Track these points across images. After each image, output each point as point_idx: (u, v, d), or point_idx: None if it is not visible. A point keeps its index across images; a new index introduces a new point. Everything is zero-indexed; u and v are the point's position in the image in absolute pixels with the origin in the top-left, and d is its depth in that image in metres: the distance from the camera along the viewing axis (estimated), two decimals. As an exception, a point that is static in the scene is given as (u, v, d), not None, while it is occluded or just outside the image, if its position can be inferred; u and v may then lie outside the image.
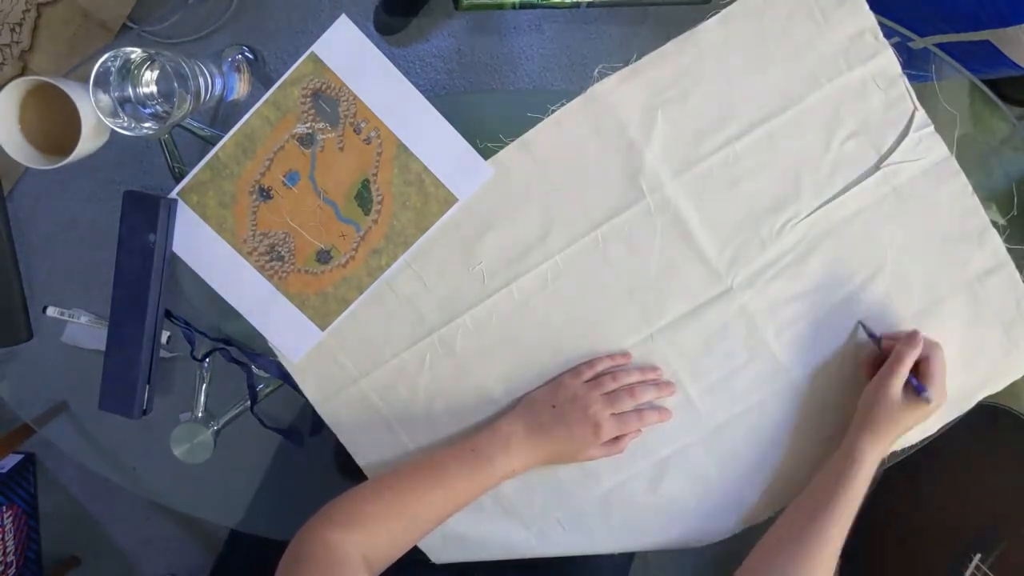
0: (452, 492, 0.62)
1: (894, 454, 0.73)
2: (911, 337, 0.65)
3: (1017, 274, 0.70)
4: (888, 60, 0.66)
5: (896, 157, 0.67)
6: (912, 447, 0.73)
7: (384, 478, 0.63)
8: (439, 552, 0.73)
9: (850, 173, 0.68)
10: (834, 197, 0.68)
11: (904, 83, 0.67)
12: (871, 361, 0.68)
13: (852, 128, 0.67)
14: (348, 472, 0.72)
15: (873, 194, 0.68)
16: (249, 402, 0.74)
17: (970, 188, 0.68)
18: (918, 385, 0.63)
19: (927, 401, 0.62)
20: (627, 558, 0.89)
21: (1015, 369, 0.72)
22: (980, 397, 0.72)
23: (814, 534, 0.62)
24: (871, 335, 0.69)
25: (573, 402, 0.66)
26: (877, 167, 0.68)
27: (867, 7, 0.66)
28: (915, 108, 0.67)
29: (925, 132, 0.67)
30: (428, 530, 0.62)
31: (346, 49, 0.65)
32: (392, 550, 0.60)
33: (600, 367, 0.69)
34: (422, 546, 0.73)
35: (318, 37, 0.64)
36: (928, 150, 0.68)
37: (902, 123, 0.67)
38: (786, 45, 0.66)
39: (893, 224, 0.69)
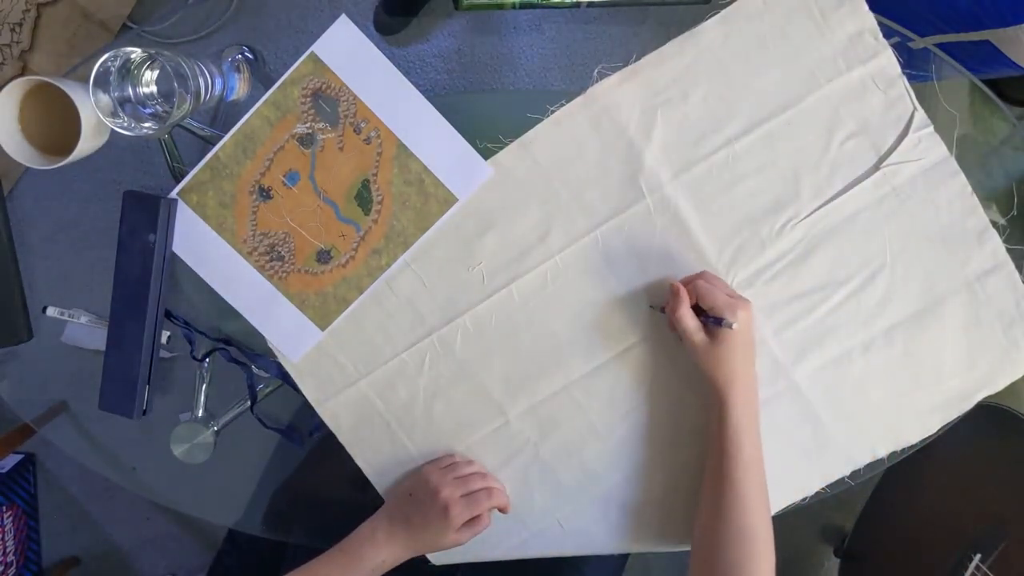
0: None
1: (894, 454, 0.73)
2: (672, 292, 0.64)
3: (1016, 274, 0.70)
4: (888, 60, 0.66)
5: (896, 157, 0.67)
6: (912, 447, 0.73)
7: None
8: (438, 555, 0.73)
9: (849, 173, 0.68)
10: (834, 197, 0.68)
11: (904, 83, 0.67)
12: (673, 326, 0.67)
13: (852, 128, 0.67)
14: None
15: (873, 194, 0.68)
16: (249, 402, 0.74)
17: (969, 188, 0.68)
18: (713, 320, 0.62)
19: (729, 327, 0.61)
20: (621, 559, 0.89)
21: (1015, 369, 0.72)
22: (980, 397, 0.72)
23: (728, 484, 0.63)
24: (660, 309, 0.68)
25: (426, 487, 0.68)
26: (877, 167, 0.68)
27: (866, 7, 0.66)
28: (915, 108, 0.67)
29: (925, 132, 0.67)
30: None
31: (346, 49, 0.65)
32: None
33: (459, 458, 0.72)
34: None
35: (318, 37, 0.65)
36: (928, 150, 0.68)
37: (902, 123, 0.67)
38: (785, 45, 0.66)
39: (893, 224, 0.69)
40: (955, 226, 0.69)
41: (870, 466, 0.73)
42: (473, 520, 0.68)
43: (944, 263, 0.70)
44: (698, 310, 0.64)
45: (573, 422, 0.72)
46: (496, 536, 0.73)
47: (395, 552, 0.67)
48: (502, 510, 0.71)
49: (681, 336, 0.64)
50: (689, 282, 0.65)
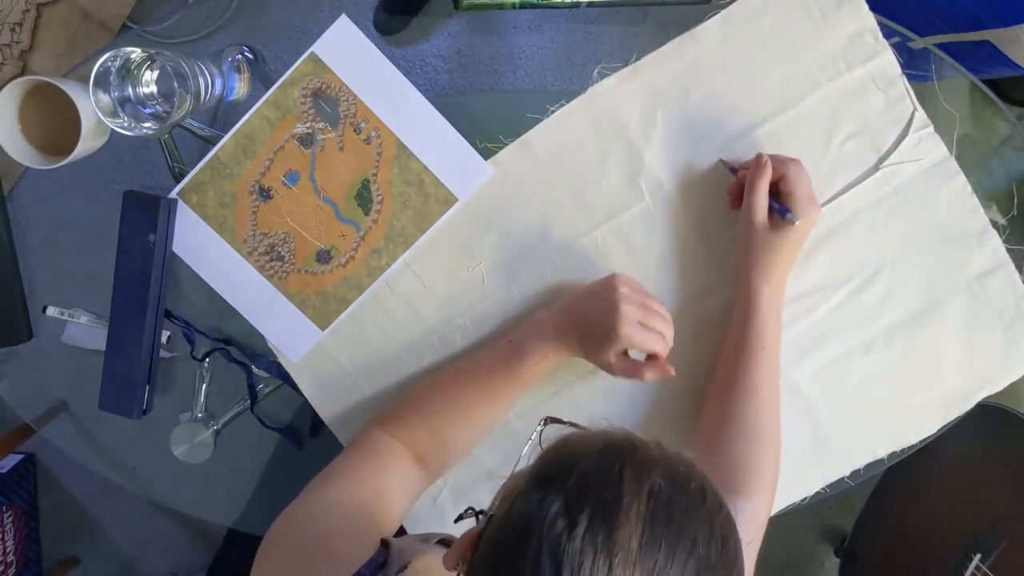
0: (488, 386, 0.63)
1: (893, 454, 0.73)
2: (757, 161, 0.61)
3: (1016, 274, 0.70)
4: (888, 61, 0.66)
5: (896, 158, 0.67)
6: (912, 447, 0.73)
7: (429, 378, 0.65)
8: (439, 552, 0.73)
9: (850, 174, 0.68)
10: (834, 197, 0.68)
11: (904, 84, 0.67)
12: (734, 193, 0.65)
13: (852, 129, 0.67)
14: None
15: (873, 194, 0.68)
16: (249, 402, 0.74)
17: (969, 188, 0.68)
18: (780, 208, 0.60)
19: (791, 223, 0.59)
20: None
21: (1014, 369, 0.72)
22: (980, 397, 0.72)
23: (745, 381, 0.62)
24: (731, 169, 0.66)
25: (611, 292, 0.61)
26: (877, 167, 0.68)
27: (867, 8, 0.66)
28: (915, 109, 0.67)
29: (925, 132, 0.67)
30: (474, 426, 0.63)
31: (346, 49, 0.65)
32: (441, 447, 0.62)
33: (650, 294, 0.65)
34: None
35: (318, 37, 0.65)
36: (928, 151, 0.68)
37: (902, 124, 0.67)
38: (786, 46, 0.66)
39: (893, 224, 0.69)
40: (955, 226, 0.69)
41: (870, 466, 0.73)
42: (634, 364, 0.61)
43: (944, 263, 0.70)
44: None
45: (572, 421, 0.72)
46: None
47: (559, 348, 0.62)
48: (663, 375, 0.61)
49: (744, 207, 0.62)
50: (779, 160, 0.62)
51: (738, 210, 0.65)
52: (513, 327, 0.66)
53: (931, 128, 0.67)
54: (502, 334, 0.69)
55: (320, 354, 0.71)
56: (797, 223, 0.60)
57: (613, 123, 0.67)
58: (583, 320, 0.62)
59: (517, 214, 0.68)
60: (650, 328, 0.61)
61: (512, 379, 0.62)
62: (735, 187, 0.65)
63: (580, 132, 0.67)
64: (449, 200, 0.68)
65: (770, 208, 0.62)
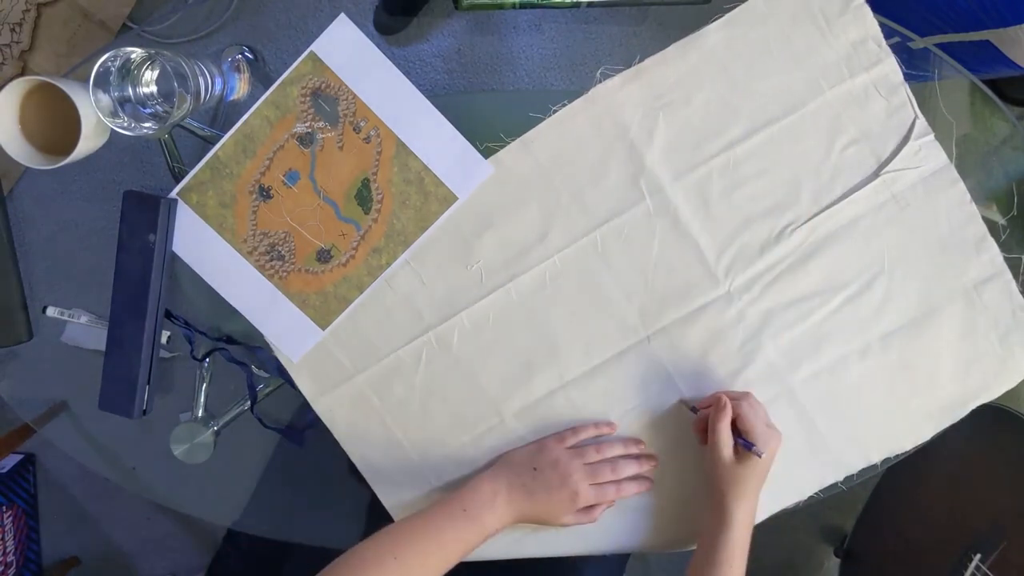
0: (446, 552, 0.64)
1: (887, 460, 0.73)
2: (716, 403, 0.66)
3: (1013, 283, 0.70)
4: (890, 67, 0.66)
5: (896, 164, 0.67)
6: (905, 452, 0.73)
7: (385, 542, 0.63)
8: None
9: (850, 180, 0.68)
10: (833, 203, 0.68)
11: (905, 91, 0.66)
12: (700, 429, 0.68)
13: (853, 135, 0.67)
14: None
15: (872, 201, 0.68)
16: (249, 402, 0.74)
17: (968, 196, 0.68)
18: (745, 443, 0.64)
19: (758, 455, 0.63)
20: (621, 559, 0.89)
21: (1010, 378, 0.72)
22: (974, 405, 0.72)
23: None
24: (692, 409, 0.69)
25: (555, 467, 0.67)
26: (877, 174, 0.68)
27: (871, 14, 0.66)
28: (916, 116, 0.67)
29: (925, 140, 0.67)
30: None
31: (345, 48, 0.65)
32: None
33: (583, 435, 0.70)
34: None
35: (318, 37, 0.65)
36: (928, 158, 0.68)
37: (903, 131, 0.67)
38: (788, 51, 0.66)
39: (891, 231, 0.69)
40: (953, 234, 0.69)
41: (863, 471, 0.73)
42: (589, 508, 0.68)
43: (942, 271, 0.70)
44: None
45: (569, 423, 0.72)
46: (496, 537, 0.73)
47: (509, 519, 0.66)
48: (612, 504, 0.70)
49: (711, 446, 0.65)
50: (733, 399, 0.66)
51: (706, 446, 0.67)
52: (457, 490, 0.67)
53: (932, 136, 0.67)
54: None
55: (320, 354, 0.71)
56: (764, 456, 0.63)
57: (615, 124, 0.67)
58: (534, 498, 0.66)
59: (517, 214, 0.68)
60: (602, 486, 0.67)
61: (466, 544, 0.65)
62: (699, 424, 0.68)
63: (581, 133, 0.67)
64: (449, 199, 0.68)
65: (735, 442, 0.64)
